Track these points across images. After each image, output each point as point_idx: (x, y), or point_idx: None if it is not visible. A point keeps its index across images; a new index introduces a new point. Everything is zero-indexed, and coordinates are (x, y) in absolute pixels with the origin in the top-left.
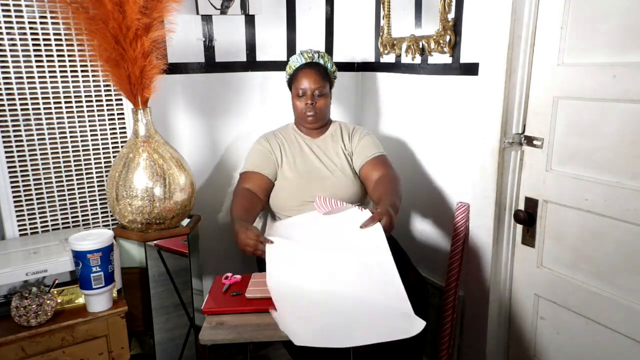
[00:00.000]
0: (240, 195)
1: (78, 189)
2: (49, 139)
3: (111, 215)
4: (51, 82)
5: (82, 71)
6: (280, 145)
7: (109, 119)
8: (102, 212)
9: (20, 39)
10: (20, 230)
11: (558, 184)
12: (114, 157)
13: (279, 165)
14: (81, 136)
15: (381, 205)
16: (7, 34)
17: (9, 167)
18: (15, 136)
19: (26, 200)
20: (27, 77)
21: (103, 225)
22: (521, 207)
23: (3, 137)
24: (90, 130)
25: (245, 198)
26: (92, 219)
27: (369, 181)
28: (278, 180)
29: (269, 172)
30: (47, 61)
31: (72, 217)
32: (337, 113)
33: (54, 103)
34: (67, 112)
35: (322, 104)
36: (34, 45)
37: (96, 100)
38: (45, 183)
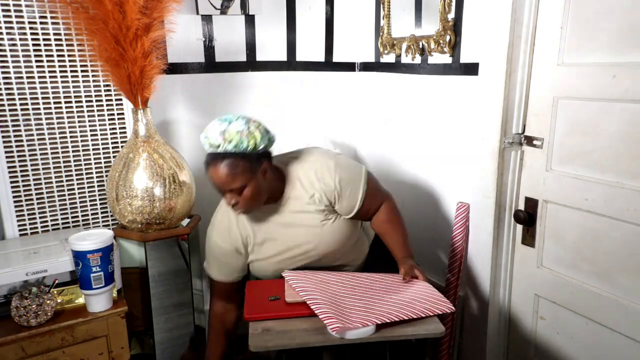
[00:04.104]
0: (212, 331)
1: (78, 189)
2: (49, 139)
3: (111, 215)
4: (51, 82)
5: (82, 71)
6: (241, 232)
7: (109, 119)
8: (102, 212)
9: (20, 39)
10: (20, 230)
11: (558, 184)
12: (114, 157)
13: (251, 253)
14: (81, 136)
15: (402, 264)
16: (7, 34)
17: (9, 167)
18: (15, 136)
19: (26, 200)
20: (27, 77)
21: (103, 225)
22: (521, 207)
23: (3, 137)
24: (90, 130)
25: (217, 336)
26: (92, 219)
27: (365, 217)
28: (254, 264)
29: (239, 272)
30: (47, 61)
31: (72, 217)
32: (337, 113)
33: (54, 103)
34: (67, 112)
35: (248, 194)
36: (34, 45)
37: (96, 100)
38: (45, 183)
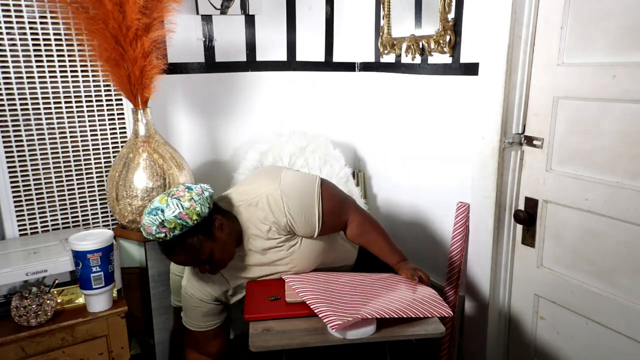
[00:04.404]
0: None
1: (78, 189)
2: (49, 139)
3: (111, 215)
4: (51, 82)
5: (82, 71)
6: (217, 282)
7: (109, 119)
8: (102, 212)
9: (20, 39)
10: (20, 230)
11: (558, 184)
12: (114, 157)
13: (233, 296)
14: (81, 136)
15: (401, 270)
16: (7, 34)
17: (9, 167)
18: (15, 136)
19: (26, 200)
20: (27, 77)
21: (103, 225)
22: (521, 207)
23: (3, 137)
24: (90, 130)
25: None
26: (92, 219)
27: (335, 231)
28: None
29: (217, 319)
30: (47, 61)
31: (72, 217)
32: (337, 113)
33: (54, 103)
34: (67, 112)
35: (218, 256)
36: (34, 45)
37: (96, 100)
38: (45, 183)
